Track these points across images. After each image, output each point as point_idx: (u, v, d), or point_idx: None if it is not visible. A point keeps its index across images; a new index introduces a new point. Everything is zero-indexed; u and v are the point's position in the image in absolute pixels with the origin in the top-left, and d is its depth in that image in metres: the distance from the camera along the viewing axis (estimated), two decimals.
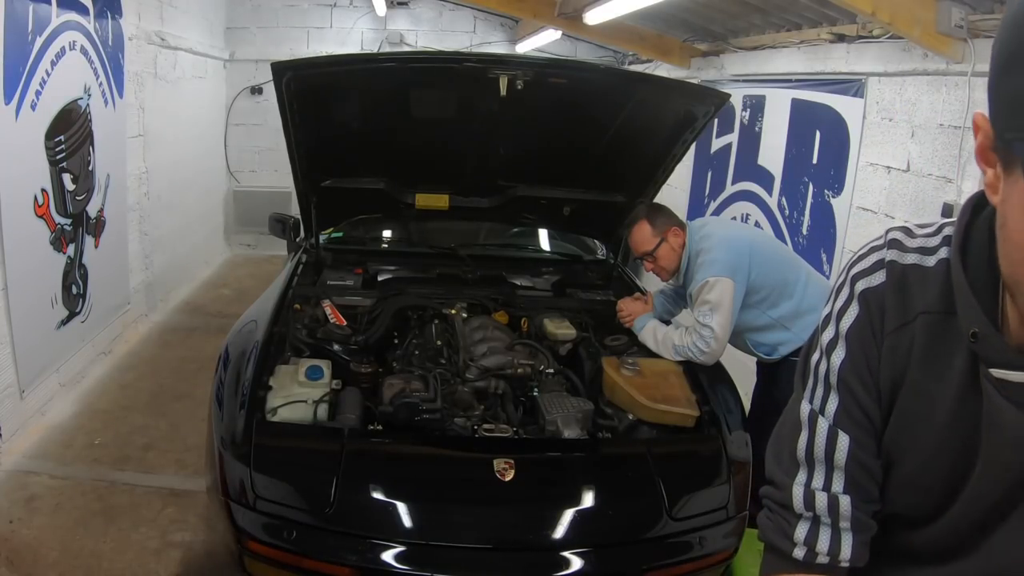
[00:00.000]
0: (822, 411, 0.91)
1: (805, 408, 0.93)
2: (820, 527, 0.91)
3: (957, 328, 0.80)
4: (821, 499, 0.90)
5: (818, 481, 0.91)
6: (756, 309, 2.70)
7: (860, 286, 0.89)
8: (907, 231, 0.89)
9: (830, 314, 0.92)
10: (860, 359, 0.88)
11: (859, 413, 0.89)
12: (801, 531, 0.92)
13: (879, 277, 0.88)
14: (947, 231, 0.85)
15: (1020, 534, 0.78)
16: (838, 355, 0.90)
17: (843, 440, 0.89)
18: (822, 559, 0.90)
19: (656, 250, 2.77)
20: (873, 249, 0.90)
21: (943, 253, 0.84)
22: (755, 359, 2.94)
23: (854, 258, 0.92)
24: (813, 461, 0.91)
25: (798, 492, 0.92)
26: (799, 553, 0.91)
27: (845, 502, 0.90)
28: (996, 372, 0.75)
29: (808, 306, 2.71)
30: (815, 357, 0.93)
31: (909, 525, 0.92)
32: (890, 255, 0.88)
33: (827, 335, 0.91)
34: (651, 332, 2.76)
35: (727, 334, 2.60)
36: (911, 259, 0.86)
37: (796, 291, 2.73)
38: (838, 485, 0.90)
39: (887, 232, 0.90)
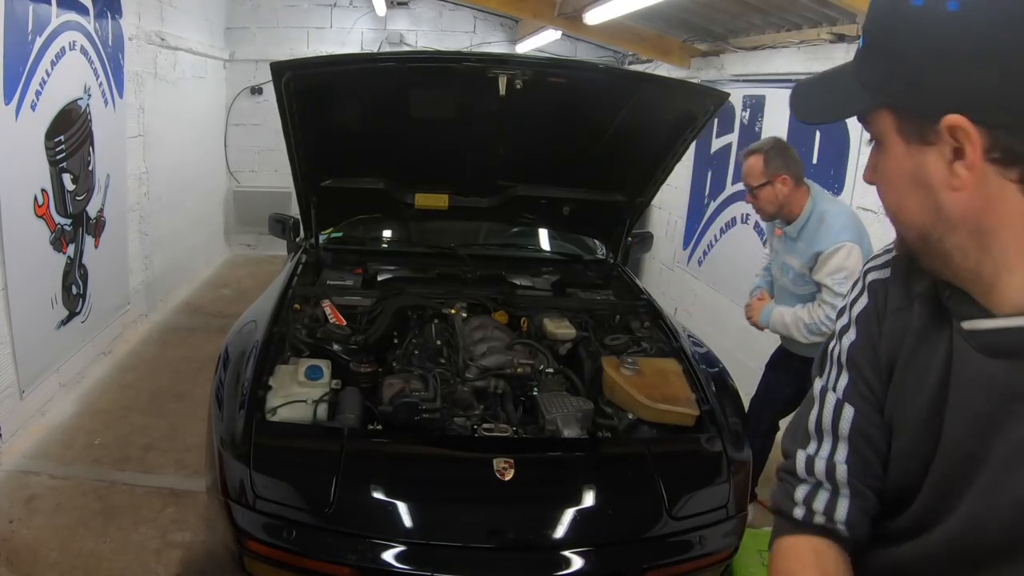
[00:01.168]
0: (833, 387, 0.98)
1: (818, 385, 1.00)
2: (819, 489, 0.96)
3: (947, 308, 0.85)
4: (820, 465, 0.96)
5: (824, 451, 0.97)
6: None
7: (870, 277, 0.98)
8: None
9: (845, 305, 1.00)
10: (867, 340, 0.96)
11: (866, 389, 0.95)
12: (801, 492, 0.97)
13: (888, 271, 0.96)
14: None
15: (987, 498, 0.79)
16: (849, 337, 0.97)
17: (848, 411, 0.95)
18: (819, 519, 0.95)
19: (759, 188, 2.79)
20: (887, 251, 0.98)
21: None
22: (762, 360, 2.94)
23: (869, 259, 1.02)
24: (821, 432, 0.97)
25: (801, 458, 0.98)
26: (799, 513, 0.97)
27: (842, 470, 0.95)
28: (967, 324, 0.80)
29: None
30: (832, 344, 1.01)
31: (891, 512, 0.94)
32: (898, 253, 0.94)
33: (841, 322, 1.00)
34: (779, 318, 2.79)
35: None
36: None
37: None
38: (841, 455, 0.95)
39: None
